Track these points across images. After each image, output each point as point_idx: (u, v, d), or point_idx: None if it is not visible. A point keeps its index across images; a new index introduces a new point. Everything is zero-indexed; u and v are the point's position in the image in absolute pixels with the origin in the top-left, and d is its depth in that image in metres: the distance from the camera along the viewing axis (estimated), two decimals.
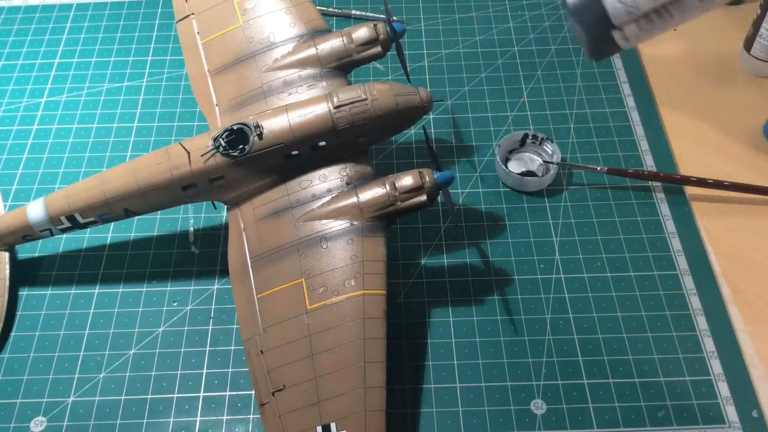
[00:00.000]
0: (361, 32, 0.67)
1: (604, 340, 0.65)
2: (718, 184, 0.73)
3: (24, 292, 0.70)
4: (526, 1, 0.95)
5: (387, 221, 0.61)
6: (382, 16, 0.92)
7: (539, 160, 0.77)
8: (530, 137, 0.77)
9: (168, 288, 0.70)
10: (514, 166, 0.77)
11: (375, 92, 0.62)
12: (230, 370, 0.64)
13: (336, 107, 0.61)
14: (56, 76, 0.88)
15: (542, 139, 0.77)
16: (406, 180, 0.61)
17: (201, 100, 0.69)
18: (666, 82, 0.85)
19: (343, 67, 0.67)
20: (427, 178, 0.61)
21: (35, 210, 0.64)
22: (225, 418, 0.62)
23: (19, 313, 0.68)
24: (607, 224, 0.73)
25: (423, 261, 0.71)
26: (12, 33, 0.93)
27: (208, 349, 0.66)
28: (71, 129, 0.82)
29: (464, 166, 0.78)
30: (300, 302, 0.58)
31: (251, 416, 0.62)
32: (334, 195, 0.62)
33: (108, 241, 0.73)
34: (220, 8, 0.72)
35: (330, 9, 0.93)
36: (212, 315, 0.68)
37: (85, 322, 0.67)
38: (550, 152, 0.76)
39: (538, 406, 0.61)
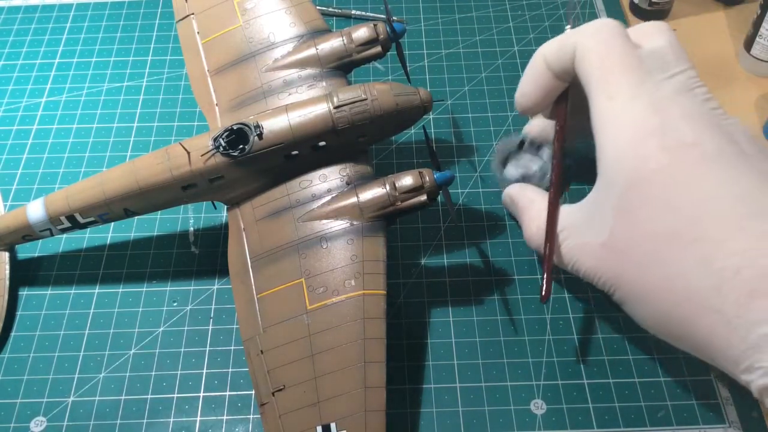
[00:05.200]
0: (361, 32, 0.67)
1: (604, 340, 0.65)
2: None
3: (24, 292, 0.70)
4: (526, 1, 0.95)
5: (387, 221, 0.61)
6: (382, 16, 0.92)
7: (536, 166, 0.76)
8: (528, 142, 0.76)
9: (168, 288, 0.70)
10: (512, 171, 0.76)
11: (375, 92, 0.62)
12: (230, 370, 0.64)
13: (336, 107, 0.61)
14: (56, 76, 0.88)
15: (540, 144, 0.76)
16: (406, 180, 0.61)
17: (201, 100, 0.69)
18: None
19: (343, 67, 0.67)
20: (427, 178, 0.61)
21: (35, 210, 0.64)
22: (225, 418, 0.62)
23: (19, 313, 0.68)
24: None
25: (423, 261, 0.71)
26: (12, 33, 0.93)
27: (208, 349, 0.66)
28: (71, 129, 0.82)
29: (464, 166, 0.78)
30: (300, 302, 0.58)
31: (251, 416, 0.62)
32: (334, 195, 0.62)
33: (108, 241, 0.73)
34: (220, 8, 0.73)
35: (330, 9, 0.93)
36: (212, 315, 0.68)
37: (85, 322, 0.67)
38: (547, 158, 0.75)
39: (538, 406, 0.61)
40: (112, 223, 0.72)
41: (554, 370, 0.63)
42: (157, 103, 0.85)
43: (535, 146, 0.76)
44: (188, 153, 0.62)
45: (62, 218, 0.64)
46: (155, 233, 0.74)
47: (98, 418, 0.62)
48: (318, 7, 0.73)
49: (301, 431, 0.54)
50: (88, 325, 0.67)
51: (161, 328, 0.67)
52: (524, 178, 0.74)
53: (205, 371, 0.64)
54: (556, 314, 0.67)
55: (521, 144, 0.76)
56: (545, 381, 0.63)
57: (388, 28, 0.67)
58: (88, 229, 0.71)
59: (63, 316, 0.68)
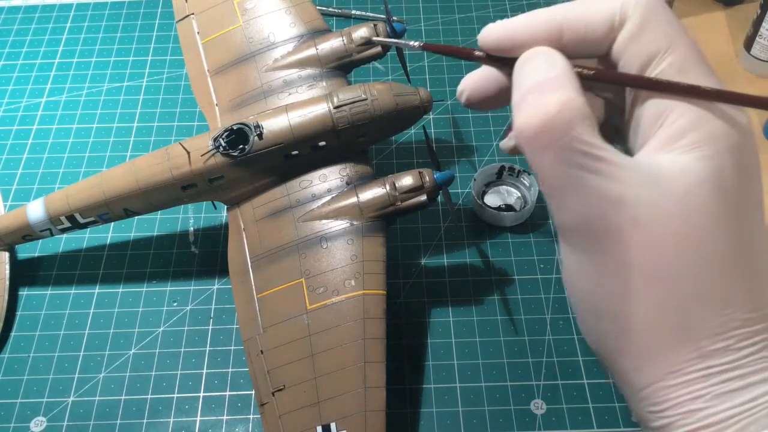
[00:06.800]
0: (361, 32, 0.67)
1: None
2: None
3: (24, 292, 0.70)
4: (526, 2, 0.95)
5: (387, 221, 0.61)
6: (382, 16, 0.92)
7: (517, 194, 0.74)
8: (507, 169, 0.74)
9: (168, 288, 0.70)
10: (491, 200, 0.74)
11: (375, 92, 0.62)
12: (230, 370, 0.64)
13: (336, 107, 0.61)
14: (56, 76, 0.88)
15: (519, 171, 0.74)
16: (406, 180, 0.61)
17: (201, 100, 0.69)
18: None
19: (343, 67, 0.67)
20: (427, 178, 0.61)
21: (35, 210, 0.64)
22: (225, 418, 0.62)
23: (19, 313, 0.68)
24: None
25: (423, 261, 0.71)
26: (12, 33, 0.93)
27: (208, 349, 0.66)
28: (71, 129, 0.82)
29: (464, 166, 0.78)
30: (300, 302, 0.58)
31: (251, 416, 0.62)
32: (334, 195, 0.62)
33: (108, 241, 0.73)
34: (220, 8, 0.72)
35: (330, 9, 0.93)
36: (212, 315, 0.68)
37: (85, 322, 0.67)
38: (528, 184, 0.73)
39: (538, 406, 0.61)
40: (112, 223, 0.72)
41: (554, 370, 0.63)
42: (157, 103, 0.85)
43: (515, 174, 0.75)
44: (188, 153, 0.62)
45: (62, 218, 0.64)
46: (155, 233, 0.74)
47: (98, 418, 0.62)
48: (318, 7, 0.73)
49: (301, 431, 0.54)
50: (88, 325, 0.67)
51: (161, 328, 0.67)
52: (504, 207, 0.73)
53: (205, 371, 0.64)
54: (556, 314, 0.67)
55: (500, 172, 0.75)
56: (545, 381, 0.63)
57: (388, 28, 0.67)
58: (88, 229, 0.71)
59: (63, 316, 0.68)
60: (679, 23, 0.35)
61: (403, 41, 0.46)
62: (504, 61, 0.36)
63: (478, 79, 0.38)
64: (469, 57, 0.38)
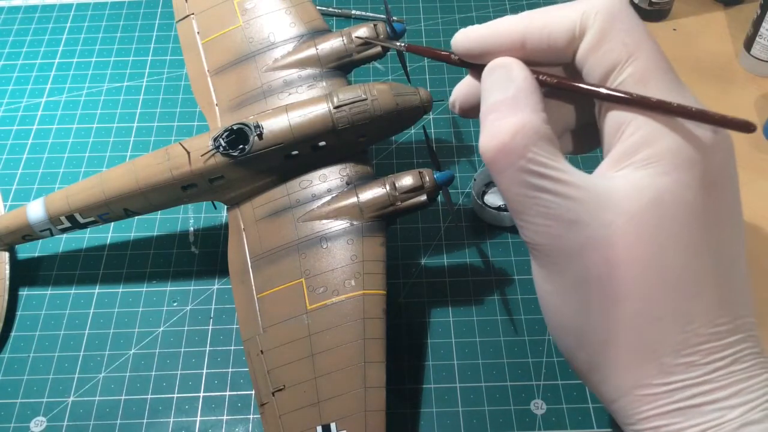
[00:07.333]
0: (361, 32, 0.67)
1: None
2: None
3: (24, 292, 0.70)
4: (526, 2, 0.95)
5: (387, 221, 0.61)
6: (382, 16, 0.92)
7: None
8: None
9: (168, 288, 0.70)
10: (491, 200, 0.74)
11: (375, 92, 0.62)
12: (230, 370, 0.64)
13: (336, 107, 0.61)
14: (56, 76, 0.88)
15: None
16: (406, 180, 0.61)
17: (201, 100, 0.69)
18: None
19: (343, 67, 0.67)
20: (427, 178, 0.61)
21: (35, 210, 0.64)
22: (225, 418, 0.62)
23: (19, 313, 0.68)
24: None
25: (423, 261, 0.71)
26: (12, 33, 0.93)
27: (208, 349, 0.66)
28: (71, 129, 0.82)
29: (464, 166, 0.78)
30: (300, 302, 0.58)
31: (251, 416, 0.62)
32: (334, 195, 0.62)
33: (108, 241, 0.73)
34: (220, 8, 0.72)
35: (330, 9, 0.93)
36: (212, 315, 0.68)
37: (85, 322, 0.67)
38: None
39: (538, 406, 0.61)
40: (112, 223, 0.72)
41: (554, 370, 0.63)
42: (157, 103, 0.85)
43: None
44: (188, 153, 0.62)
45: (62, 218, 0.64)
46: (155, 233, 0.74)
47: (98, 418, 0.62)
48: (318, 7, 0.73)
49: (301, 431, 0.54)
50: (88, 325, 0.67)
51: (161, 328, 0.67)
52: (504, 207, 0.73)
53: (205, 371, 0.64)
54: None
55: None
56: (545, 381, 0.63)
57: (388, 28, 0.67)
58: (88, 229, 0.71)
59: (63, 316, 0.68)
60: (643, 31, 0.33)
61: (388, 42, 0.47)
62: (476, 66, 0.36)
63: (465, 88, 0.38)
64: (446, 60, 0.38)
